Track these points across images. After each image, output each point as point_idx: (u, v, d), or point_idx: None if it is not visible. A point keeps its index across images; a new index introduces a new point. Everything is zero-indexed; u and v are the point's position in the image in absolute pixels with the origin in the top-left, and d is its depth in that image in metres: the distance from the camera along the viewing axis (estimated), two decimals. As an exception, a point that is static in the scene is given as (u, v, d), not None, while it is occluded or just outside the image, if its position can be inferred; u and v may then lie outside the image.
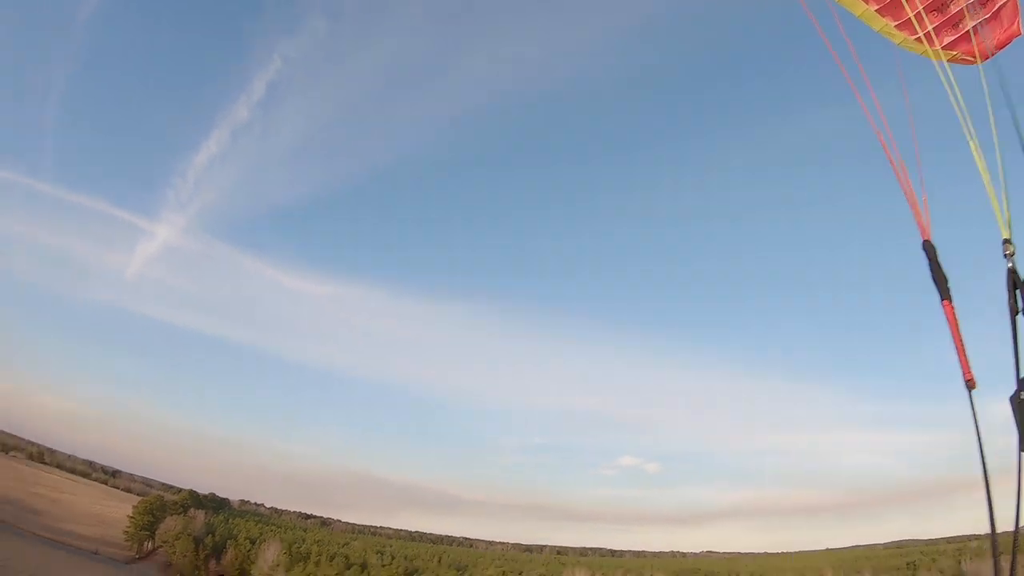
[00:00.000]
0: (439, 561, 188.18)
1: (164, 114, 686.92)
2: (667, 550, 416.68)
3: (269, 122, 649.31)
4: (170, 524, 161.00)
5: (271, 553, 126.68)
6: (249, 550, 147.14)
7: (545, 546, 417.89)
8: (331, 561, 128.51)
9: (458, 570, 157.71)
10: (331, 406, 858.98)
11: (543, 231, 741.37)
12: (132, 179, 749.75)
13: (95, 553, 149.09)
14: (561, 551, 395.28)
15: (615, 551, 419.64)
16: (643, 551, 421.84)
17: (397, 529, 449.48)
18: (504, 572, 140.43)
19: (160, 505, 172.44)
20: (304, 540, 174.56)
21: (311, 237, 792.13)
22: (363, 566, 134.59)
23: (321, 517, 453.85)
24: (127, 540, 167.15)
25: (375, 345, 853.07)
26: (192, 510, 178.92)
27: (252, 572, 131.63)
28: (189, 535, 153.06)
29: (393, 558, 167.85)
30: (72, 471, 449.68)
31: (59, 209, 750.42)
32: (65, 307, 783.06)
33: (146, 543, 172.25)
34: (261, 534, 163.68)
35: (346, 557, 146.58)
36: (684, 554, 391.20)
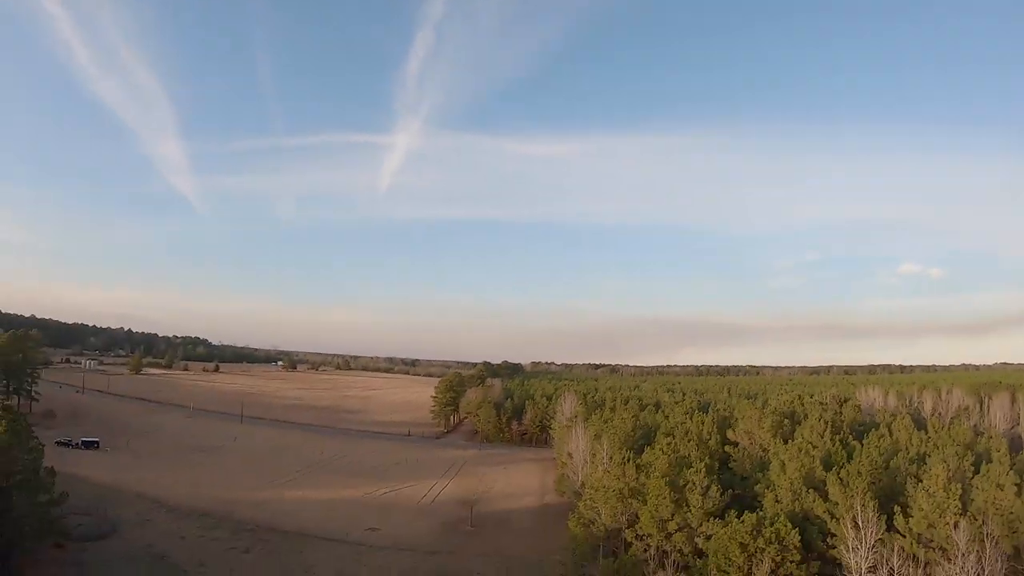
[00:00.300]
0: (728, 392, 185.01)
1: (364, 37, 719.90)
2: (957, 363, 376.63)
3: (467, 8, 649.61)
4: (470, 396, 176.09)
5: (567, 406, 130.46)
6: (546, 406, 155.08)
7: (832, 366, 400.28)
8: (626, 405, 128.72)
9: (749, 398, 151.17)
10: (601, 258, 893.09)
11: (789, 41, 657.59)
12: (358, 105, 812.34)
13: (408, 435, 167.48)
14: (848, 370, 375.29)
15: (904, 367, 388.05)
16: (932, 365, 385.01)
17: (683, 366, 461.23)
18: (799, 396, 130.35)
19: (459, 381, 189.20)
20: (596, 389, 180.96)
21: (537, 105, 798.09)
22: (657, 405, 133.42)
23: (610, 365, 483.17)
24: (434, 418, 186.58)
25: (630, 191, 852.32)
26: (489, 379, 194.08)
27: (552, 427, 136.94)
28: (489, 402, 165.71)
29: (684, 394, 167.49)
30: (376, 370, 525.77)
31: (301, 152, 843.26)
32: (334, 233, 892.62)
33: (451, 417, 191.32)
34: (556, 390, 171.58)
35: (639, 399, 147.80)
36: (976, 366, 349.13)
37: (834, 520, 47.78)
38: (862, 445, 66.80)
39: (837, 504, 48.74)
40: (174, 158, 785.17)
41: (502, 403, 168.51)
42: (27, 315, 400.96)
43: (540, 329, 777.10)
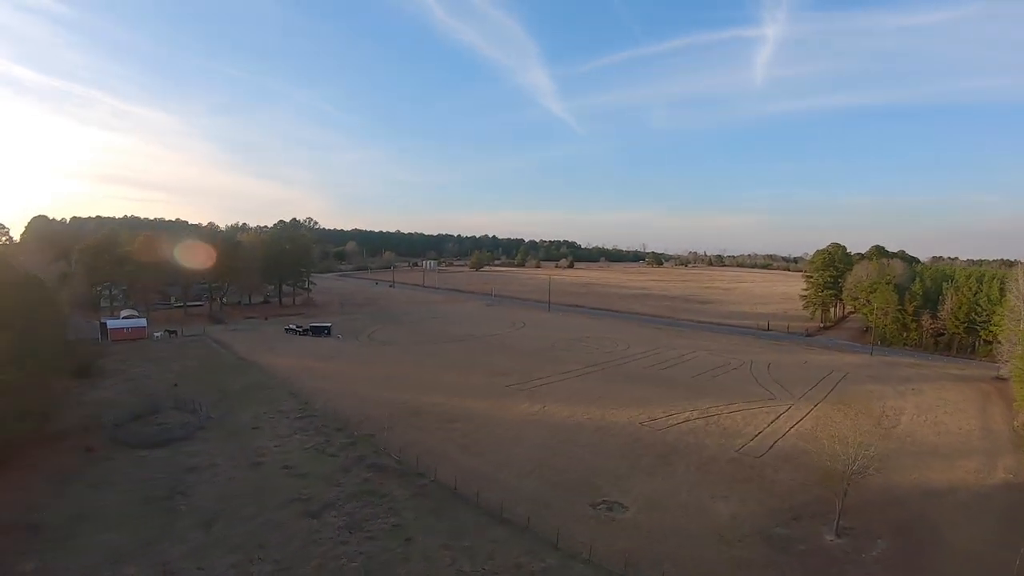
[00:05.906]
0: None
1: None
2: None
3: None
4: (859, 274, 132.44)
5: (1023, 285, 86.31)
6: (975, 293, 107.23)
7: None
8: None
9: None
10: (1003, 143, 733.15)
11: None
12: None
13: (766, 329, 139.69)
14: None
15: None
16: None
17: None
18: None
19: (842, 255, 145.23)
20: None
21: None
22: None
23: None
24: (806, 308, 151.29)
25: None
26: (886, 260, 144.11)
27: (992, 326, 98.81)
28: (887, 282, 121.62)
29: None
30: (752, 267, 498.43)
31: (664, 59, 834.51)
32: (710, 136, 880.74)
33: (832, 309, 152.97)
34: (983, 274, 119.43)
35: None
36: None
37: None
38: None
39: None
40: (543, 85, 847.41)
41: (908, 286, 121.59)
42: (392, 230, 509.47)
43: (931, 225, 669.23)
